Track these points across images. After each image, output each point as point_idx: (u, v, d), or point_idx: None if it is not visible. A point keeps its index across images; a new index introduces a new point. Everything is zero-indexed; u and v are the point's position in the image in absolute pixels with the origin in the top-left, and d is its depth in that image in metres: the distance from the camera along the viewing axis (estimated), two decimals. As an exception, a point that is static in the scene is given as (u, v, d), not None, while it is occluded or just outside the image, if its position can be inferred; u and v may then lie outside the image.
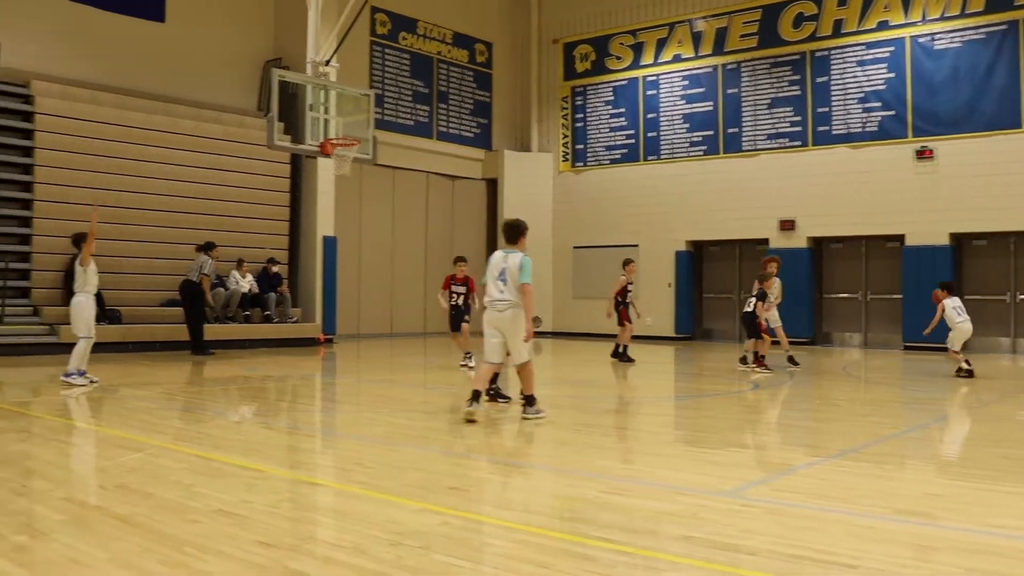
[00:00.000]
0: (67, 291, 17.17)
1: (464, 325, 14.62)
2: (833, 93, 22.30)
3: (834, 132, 22.23)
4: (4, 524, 4.79)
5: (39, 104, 17.86)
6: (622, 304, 16.65)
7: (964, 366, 14.16)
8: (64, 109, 18.08)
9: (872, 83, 21.72)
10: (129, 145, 18.82)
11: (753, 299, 14.79)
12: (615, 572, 4.19)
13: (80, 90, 18.73)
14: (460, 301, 14.60)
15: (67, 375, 11.65)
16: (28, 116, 17.81)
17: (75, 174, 18.01)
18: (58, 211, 17.61)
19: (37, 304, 17.13)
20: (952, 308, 14.37)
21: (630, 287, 16.77)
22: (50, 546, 4.43)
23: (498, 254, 9.31)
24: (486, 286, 9.23)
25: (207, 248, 17.42)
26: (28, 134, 17.79)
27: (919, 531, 4.97)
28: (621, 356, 16.74)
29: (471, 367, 14.04)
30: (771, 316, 15.46)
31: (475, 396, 8.96)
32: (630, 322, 16.74)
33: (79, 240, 12.06)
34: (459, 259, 15.02)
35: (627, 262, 17.04)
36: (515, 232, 9.35)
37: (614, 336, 17.06)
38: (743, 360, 15.43)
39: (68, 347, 16.27)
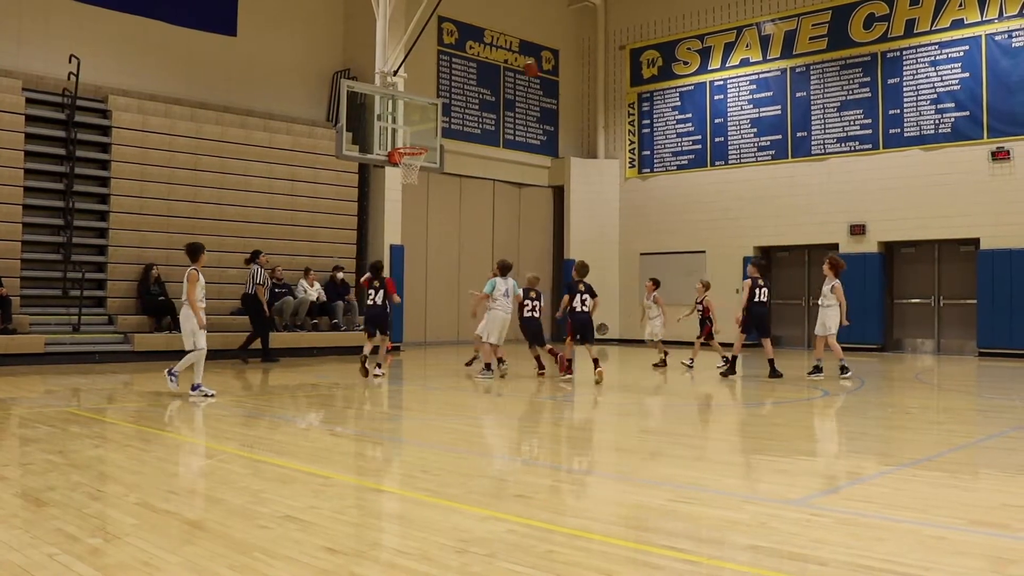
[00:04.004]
0: (141, 300, 17.61)
1: None
2: (905, 94, 21.90)
3: (906, 134, 21.83)
4: (80, 527, 4.91)
5: (116, 118, 18.30)
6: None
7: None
8: (139, 123, 18.51)
9: (946, 83, 21.29)
10: (201, 156, 19.20)
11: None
12: (680, 581, 4.15)
13: (155, 104, 19.17)
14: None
15: (194, 388, 11.29)
16: (105, 130, 18.26)
17: (149, 186, 18.43)
18: (133, 222, 18.06)
19: (112, 313, 17.53)
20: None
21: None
22: (123, 549, 4.52)
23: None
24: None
25: (254, 257, 17.44)
26: (105, 148, 18.24)
27: (994, 543, 4.83)
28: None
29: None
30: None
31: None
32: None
33: (194, 251, 11.49)
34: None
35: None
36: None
37: (688, 344, 17.03)
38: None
39: (141, 355, 16.78)
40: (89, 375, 14.55)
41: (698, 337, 16.95)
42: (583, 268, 14.68)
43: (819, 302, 14.60)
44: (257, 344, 17.41)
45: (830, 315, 14.30)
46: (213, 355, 17.54)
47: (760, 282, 14.98)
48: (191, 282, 11.23)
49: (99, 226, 18.06)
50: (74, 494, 5.73)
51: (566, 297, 14.36)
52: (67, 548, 4.50)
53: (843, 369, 14.38)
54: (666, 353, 17.14)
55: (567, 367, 14.37)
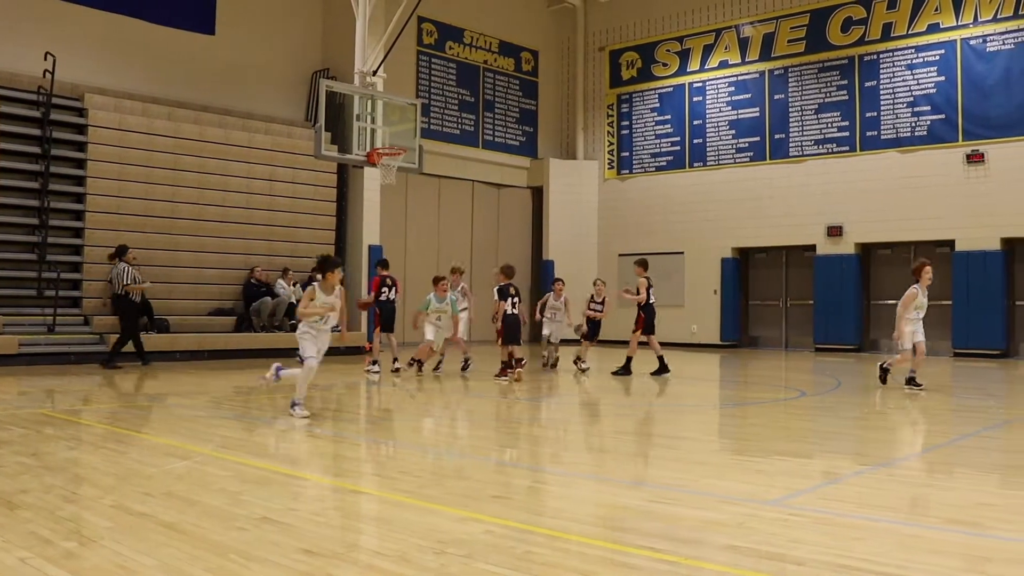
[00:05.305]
0: (113, 301, 16.91)
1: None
2: (882, 97, 22.05)
3: (883, 137, 21.97)
4: (54, 530, 4.86)
5: (92, 117, 18.16)
6: None
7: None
8: (116, 121, 18.38)
9: (922, 87, 21.44)
10: (179, 156, 19.09)
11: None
12: (658, 582, 4.16)
13: (132, 102, 19.03)
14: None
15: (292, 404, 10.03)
16: (81, 129, 18.12)
17: (126, 185, 18.30)
18: (109, 222, 17.93)
19: (87, 313, 17.39)
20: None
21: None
22: (98, 552, 4.48)
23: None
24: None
25: (120, 254, 16.07)
26: (81, 147, 18.10)
27: (970, 541, 4.87)
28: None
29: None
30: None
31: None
32: None
33: (323, 266, 10.20)
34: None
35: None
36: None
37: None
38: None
39: (117, 356, 16.59)
40: (64, 376, 14.42)
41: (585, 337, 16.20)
42: (511, 270, 14.86)
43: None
44: (131, 347, 16.12)
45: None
46: (187, 356, 17.57)
47: (650, 282, 15.26)
48: (307, 297, 10.30)
49: (75, 226, 17.91)
50: (48, 497, 5.68)
51: (500, 303, 14.33)
52: (40, 552, 4.45)
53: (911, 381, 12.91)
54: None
55: (518, 364, 14.52)
